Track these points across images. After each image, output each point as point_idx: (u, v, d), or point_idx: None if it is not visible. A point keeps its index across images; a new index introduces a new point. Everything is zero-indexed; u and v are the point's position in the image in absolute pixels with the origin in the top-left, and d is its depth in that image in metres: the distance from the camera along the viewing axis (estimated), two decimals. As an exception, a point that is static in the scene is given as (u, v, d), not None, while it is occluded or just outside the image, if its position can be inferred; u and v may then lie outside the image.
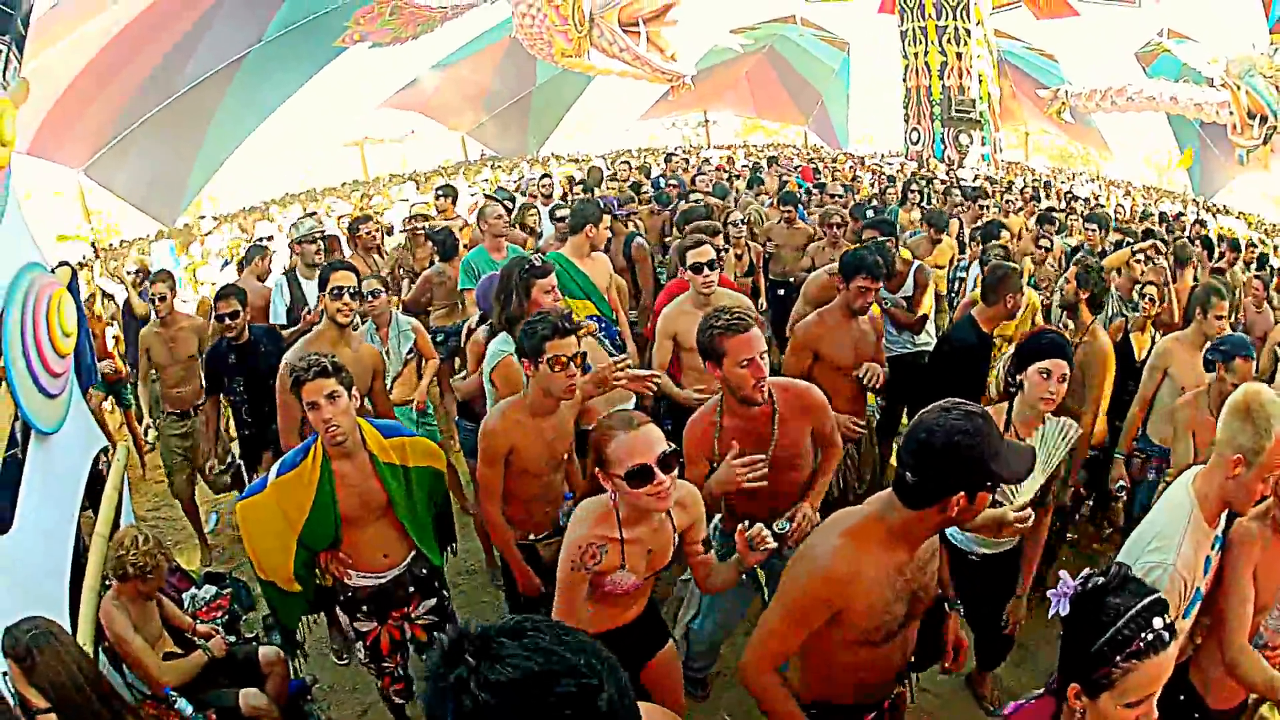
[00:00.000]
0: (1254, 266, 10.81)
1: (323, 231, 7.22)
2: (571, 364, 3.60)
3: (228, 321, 5.61)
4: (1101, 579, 2.11)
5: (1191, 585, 2.77)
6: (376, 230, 8.36)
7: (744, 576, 3.62)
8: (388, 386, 5.68)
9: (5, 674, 2.96)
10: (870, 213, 8.60)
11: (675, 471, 2.81)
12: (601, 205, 6.15)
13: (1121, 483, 4.95)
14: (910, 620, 2.60)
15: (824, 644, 2.54)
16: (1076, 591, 2.12)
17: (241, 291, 5.87)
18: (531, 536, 4.04)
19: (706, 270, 4.85)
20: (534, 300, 4.37)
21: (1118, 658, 2.00)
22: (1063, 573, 2.16)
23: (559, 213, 8.37)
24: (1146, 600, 2.04)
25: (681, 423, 3.85)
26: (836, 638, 2.50)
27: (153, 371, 6.46)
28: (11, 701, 3.01)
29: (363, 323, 5.60)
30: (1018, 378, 3.67)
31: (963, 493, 2.32)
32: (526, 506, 3.99)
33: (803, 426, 3.67)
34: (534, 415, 3.78)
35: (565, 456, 4.05)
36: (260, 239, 8.72)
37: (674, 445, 2.82)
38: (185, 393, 6.33)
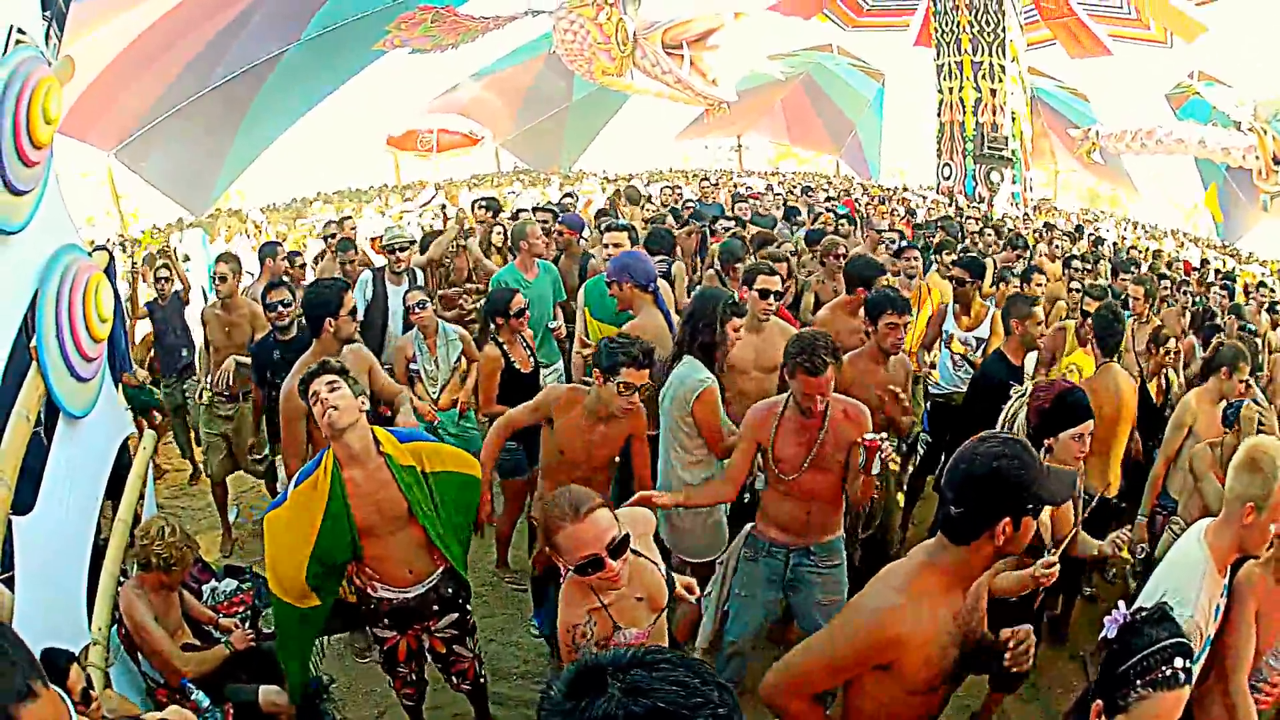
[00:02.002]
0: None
1: (410, 239, 7.23)
2: (635, 392, 4.00)
3: (280, 310, 5.50)
4: (1146, 612, 2.28)
5: (1205, 633, 3.00)
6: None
7: (768, 583, 4.13)
8: (435, 395, 5.82)
9: None
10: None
11: (626, 554, 2.71)
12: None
13: (1143, 546, 4.85)
14: (961, 661, 2.55)
15: (878, 695, 2.50)
16: (1126, 620, 2.28)
17: (291, 286, 5.80)
18: None
19: (773, 298, 5.08)
20: (726, 334, 4.63)
21: (1138, 682, 2.17)
22: (1120, 603, 2.35)
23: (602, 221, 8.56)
24: (1175, 639, 2.20)
25: None
26: (892, 689, 2.46)
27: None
28: None
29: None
30: (1045, 442, 3.68)
31: (1008, 519, 2.30)
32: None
33: (847, 437, 3.95)
34: (590, 415, 4.20)
35: (607, 462, 4.37)
36: (274, 242, 8.66)
37: (624, 531, 2.69)
38: (237, 378, 6.29)
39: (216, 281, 6.27)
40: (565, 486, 2.79)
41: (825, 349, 3.78)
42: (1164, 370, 6.20)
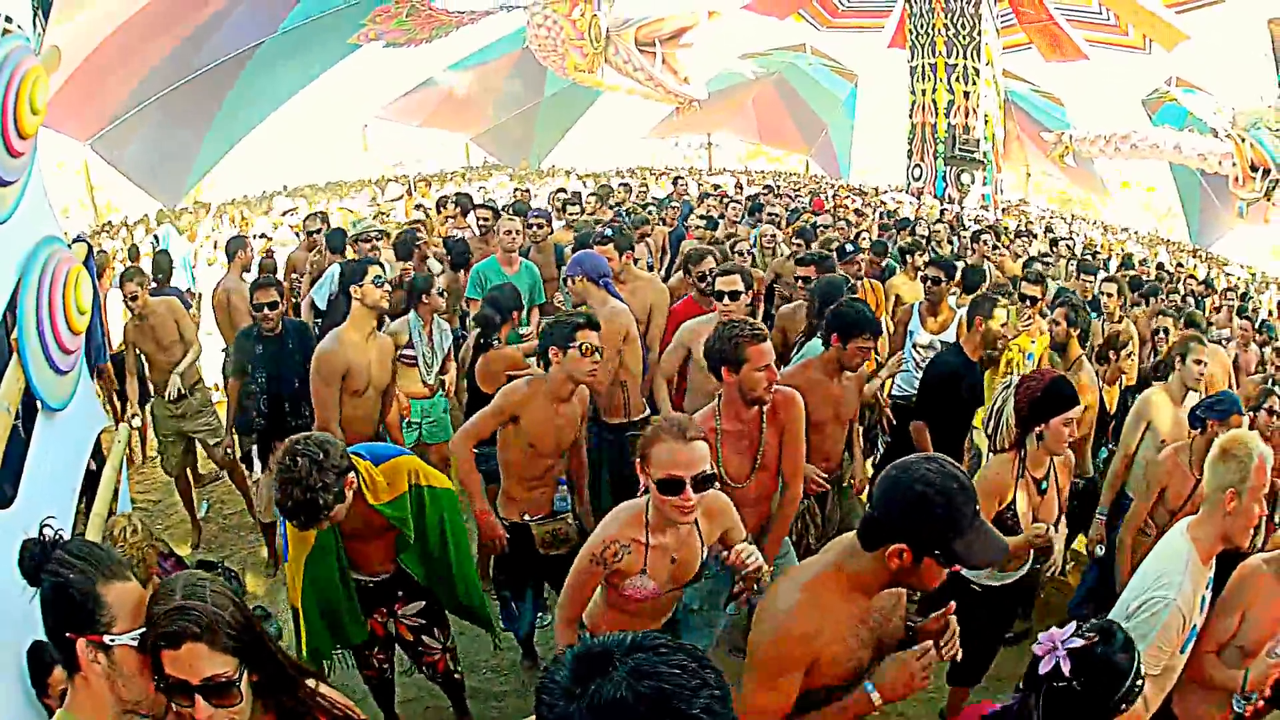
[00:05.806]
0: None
1: (379, 232, 7.25)
2: (597, 353, 4.09)
3: (265, 312, 5.58)
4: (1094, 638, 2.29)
5: (1189, 620, 3.08)
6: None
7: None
8: (430, 381, 5.90)
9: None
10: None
11: (706, 492, 2.92)
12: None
13: (1101, 545, 4.95)
14: (874, 664, 2.49)
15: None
16: (1067, 652, 2.26)
17: (280, 284, 5.92)
18: (527, 516, 4.33)
19: (728, 299, 5.08)
20: None
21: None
22: (1054, 629, 2.33)
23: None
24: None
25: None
26: (804, 686, 2.42)
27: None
28: None
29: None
30: (1036, 429, 3.75)
31: (905, 545, 2.22)
32: (527, 486, 4.32)
33: (784, 426, 4.01)
34: (551, 399, 4.19)
35: (570, 444, 4.40)
36: (241, 234, 8.63)
37: (713, 470, 2.90)
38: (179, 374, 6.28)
39: (129, 300, 6.19)
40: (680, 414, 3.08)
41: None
42: (1121, 378, 6.24)
